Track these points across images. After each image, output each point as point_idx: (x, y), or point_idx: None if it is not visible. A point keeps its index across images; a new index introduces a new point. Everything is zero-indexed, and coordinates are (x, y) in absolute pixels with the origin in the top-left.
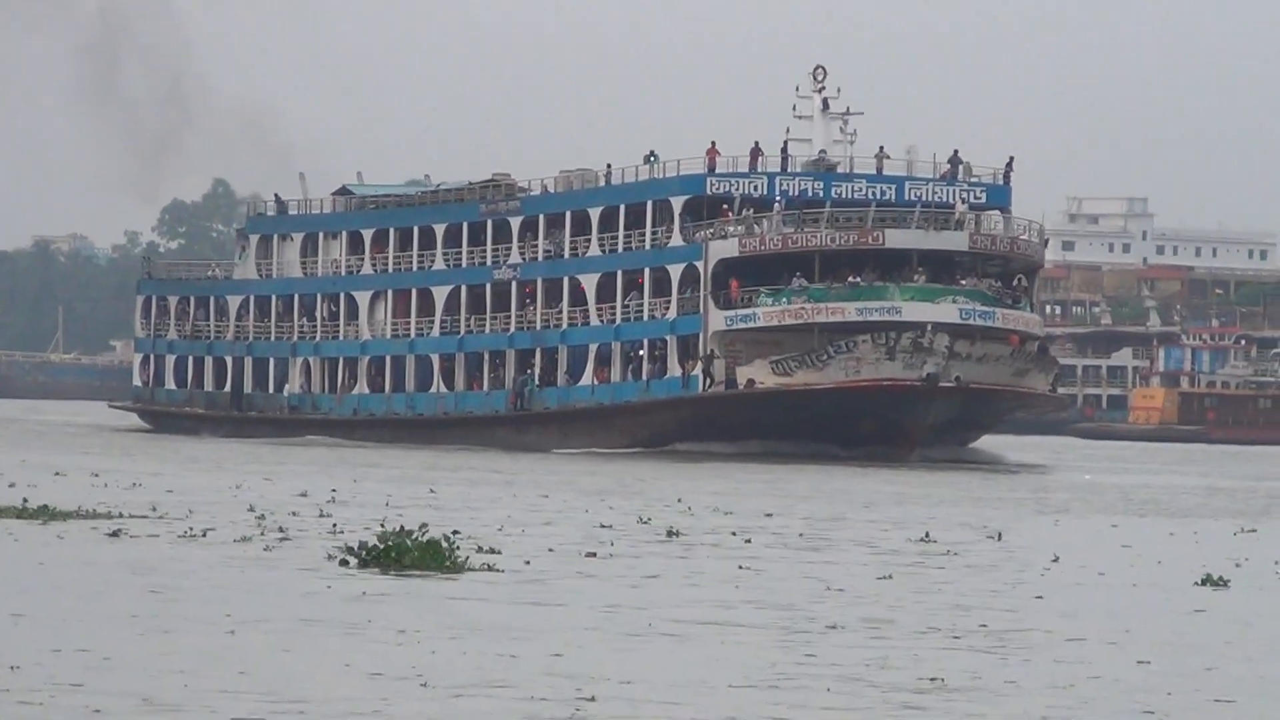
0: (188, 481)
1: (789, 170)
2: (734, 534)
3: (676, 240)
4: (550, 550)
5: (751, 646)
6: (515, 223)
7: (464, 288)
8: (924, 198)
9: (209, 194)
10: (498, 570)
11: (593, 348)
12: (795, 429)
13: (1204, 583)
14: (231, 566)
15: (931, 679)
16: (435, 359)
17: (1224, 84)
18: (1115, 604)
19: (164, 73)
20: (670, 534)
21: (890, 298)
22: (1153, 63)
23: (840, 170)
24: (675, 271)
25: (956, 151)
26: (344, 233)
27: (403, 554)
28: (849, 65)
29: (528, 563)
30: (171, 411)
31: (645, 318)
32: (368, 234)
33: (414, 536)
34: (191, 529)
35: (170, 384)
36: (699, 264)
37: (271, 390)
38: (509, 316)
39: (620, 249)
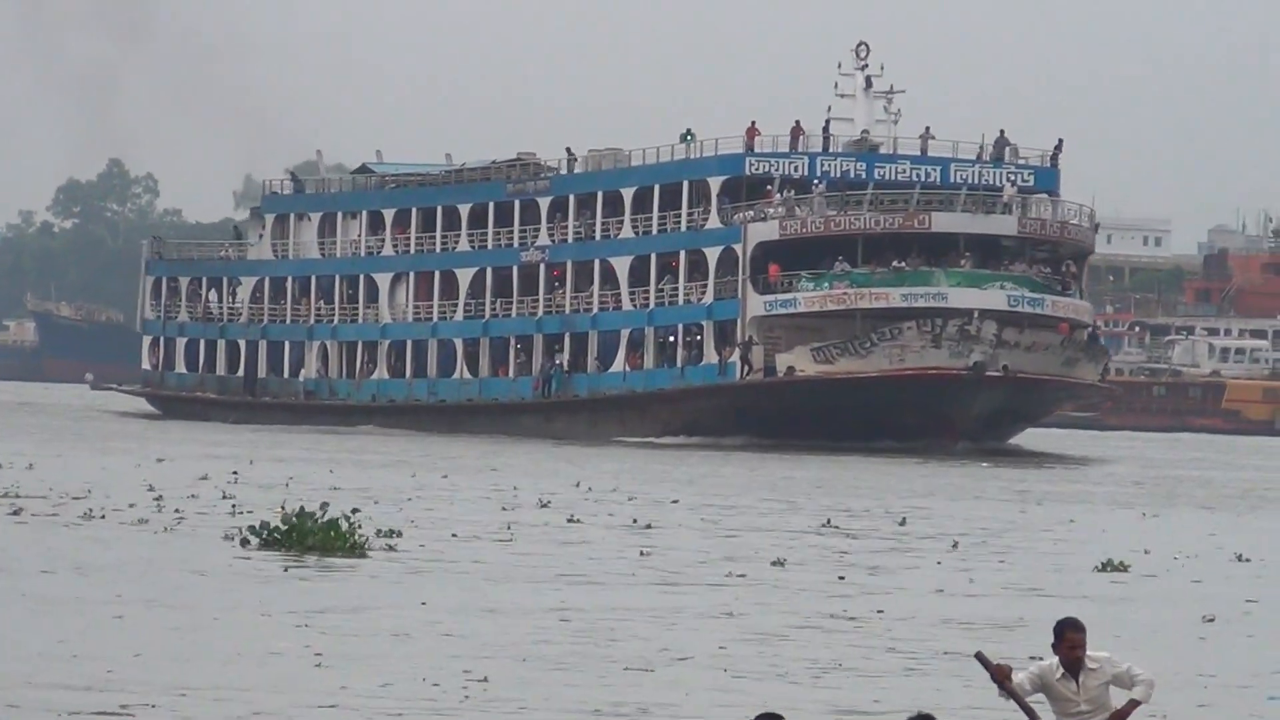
0: (90, 462)
1: (830, 150)
2: (635, 520)
3: (714, 222)
4: (454, 535)
5: (639, 628)
6: (544, 203)
7: (490, 270)
8: (970, 180)
9: (104, 173)
10: (397, 552)
11: (625, 333)
12: (836, 419)
13: (1104, 568)
14: (130, 547)
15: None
16: (459, 343)
17: (1120, 71)
18: (1019, 581)
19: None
20: (570, 520)
21: (936, 283)
22: (1058, 44)
23: (883, 151)
24: (712, 254)
25: (1003, 132)
26: (364, 212)
27: (304, 535)
28: (893, 42)
29: (423, 546)
30: (182, 396)
31: (680, 302)
32: (389, 214)
33: (314, 518)
34: (90, 510)
35: (180, 368)
36: (737, 246)
37: (286, 375)
38: (537, 300)
39: (654, 231)
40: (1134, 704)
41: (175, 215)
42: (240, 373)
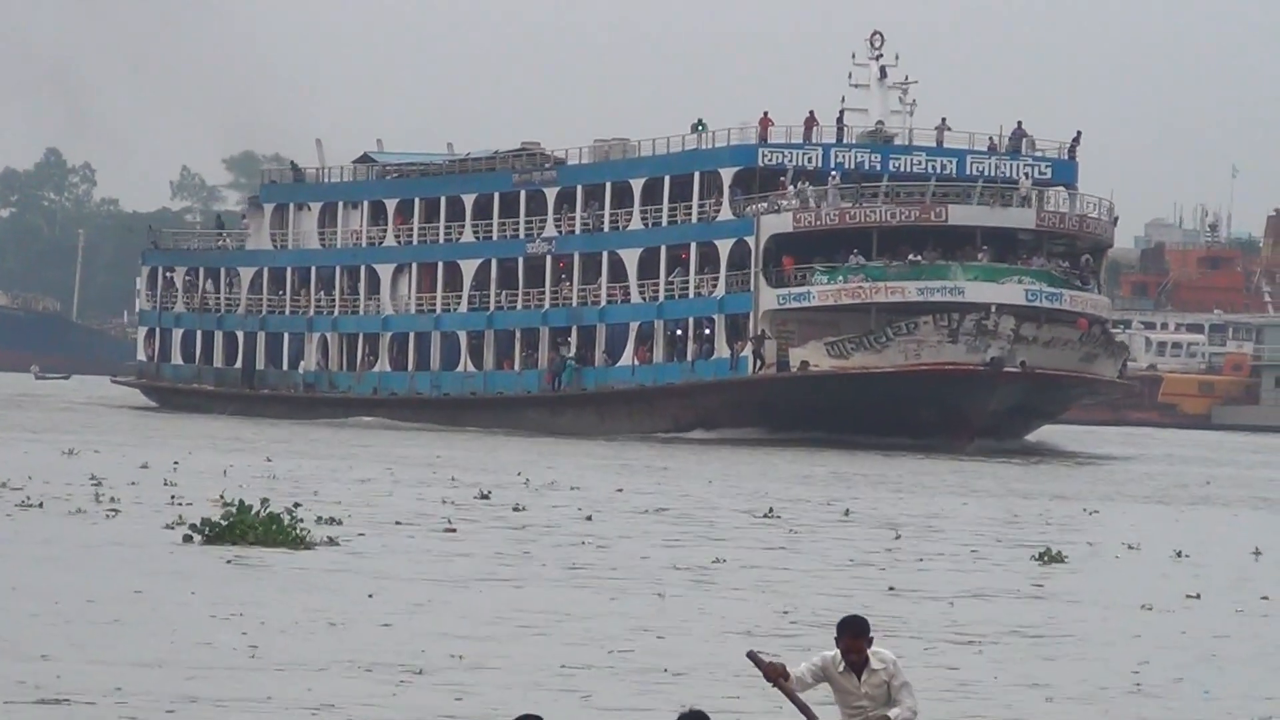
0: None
1: (844, 141)
2: (580, 509)
3: (726, 214)
4: (397, 523)
5: (575, 623)
6: (550, 194)
7: (494, 261)
8: (986, 172)
9: (41, 163)
10: (337, 544)
11: (633, 326)
12: (851, 415)
13: (1041, 558)
14: (67, 538)
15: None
16: (463, 336)
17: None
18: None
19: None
20: (516, 509)
21: (953, 277)
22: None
23: (898, 142)
24: (724, 247)
25: (1020, 124)
26: (365, 202)
27: (245, 529)
28: (907, 32)
29: (363, 534)
30: (178, 388)
31: (691, 295)
32: (391, 204)
33: (255, 511)
34: (29, 499)
35: (177, 359)
36: (750, 239)
37: (286, 367)
38: (543, 292)
39: (664, 222)
40: None
41: (112, 205)
42: (238, 365)
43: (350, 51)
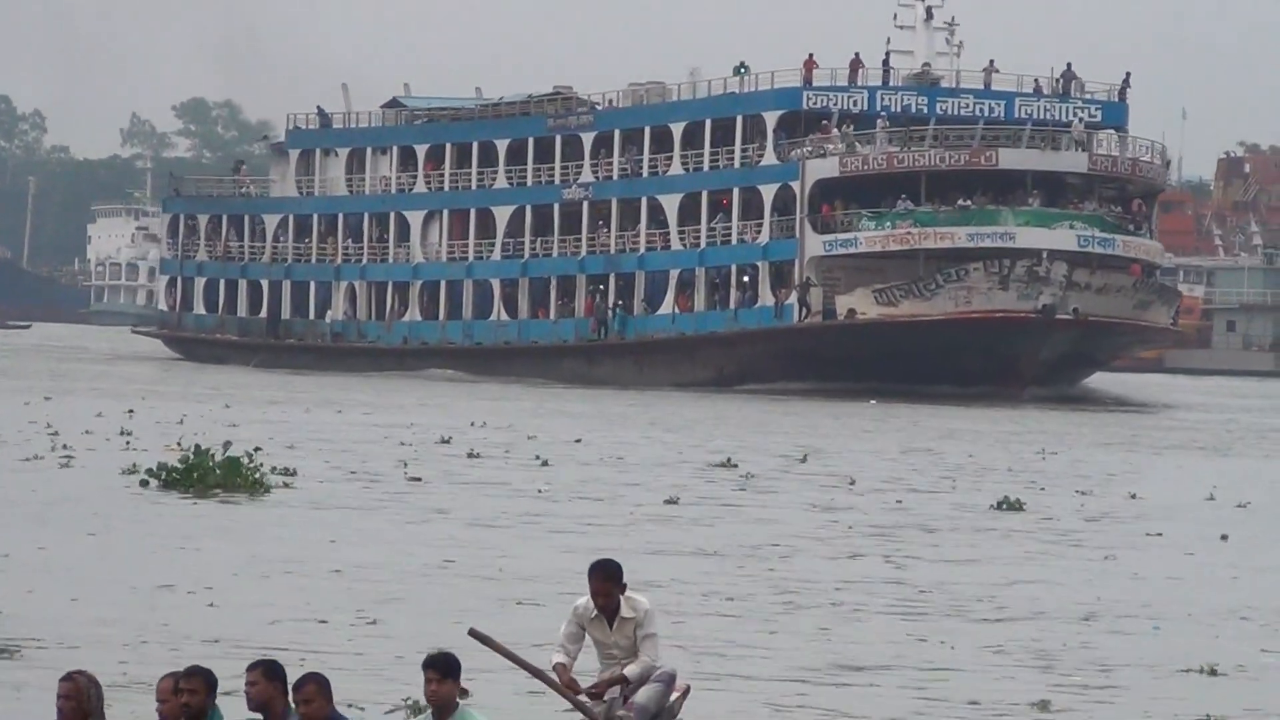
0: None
1: (890, 84)
2: (537, 457)
3: (770, 158)
4: (353, 473)
5: (526, 565)
6: (587, 139)
7: (529, 208)
8: (1035, 115)
9: None
10: (295, 490)
11: (674, 273)
12: (899, 364)
13: (1000, 505)
14: (25, 483)
15: None
16: (496, 284)
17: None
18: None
19: None
20: (470, 455)
21: (1004, 222)
22: None
23: (945, 85)
24: (768, 192)
25: (1070, 65)
26: (394, 148)
27: (204, 474)
28: None
29: (322, 483)
30: (201, 338)
31: (734, 242)
32: (421, 150)
33: (213, 455)
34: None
35: (200, 309)
36: (795, 184)
37: (312, 316)
38: (579, 239)
39: (706, 167)
40: (623, 679)
41: (63, 152)
42: (263, 314)
43: None
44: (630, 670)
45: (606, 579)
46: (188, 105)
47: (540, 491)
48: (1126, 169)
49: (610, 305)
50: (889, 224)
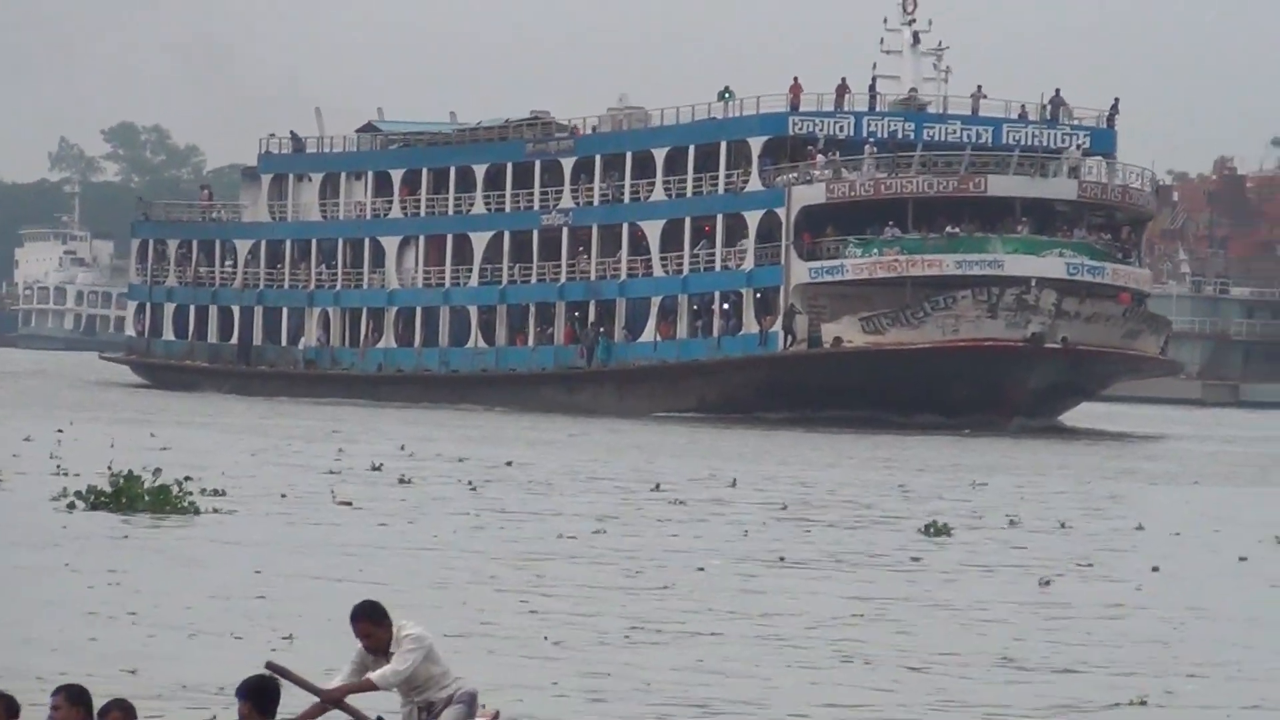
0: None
1: (877, 110)
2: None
3: (755, 184)
4: (283, 496)
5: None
6: (567, 164)
7: (507, 234)
8: (1023, 141)
9: None
10: (226, 514)
11: (656, 300)
12: (886, 393)
13: (927, 530)
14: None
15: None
16: (473, 311)
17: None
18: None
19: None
20: (401, 481)
21: (992, 250)
22: None
23: (932, 110)
24: (752, 218)
25: (1058, 91)
26: (370, 172)
27: (133, 498)
28: None
29: (248, 509)
30: (170, 365)
31: (718, 268)
32: (397, 174)
33: (143, 481)
34: None
35: (169, 334)
36: (780, 210)
37: (285, 343)
38: (559, 266)
39: (689, 193)
40: (368, 683)
41: None
42: (234, 340)
43: (343, 17)
44: (374, 675)
45: (366, 620)
46: (116, 130)
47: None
48: (1116, 196)
49: (596, 332)
50: (876, 251)
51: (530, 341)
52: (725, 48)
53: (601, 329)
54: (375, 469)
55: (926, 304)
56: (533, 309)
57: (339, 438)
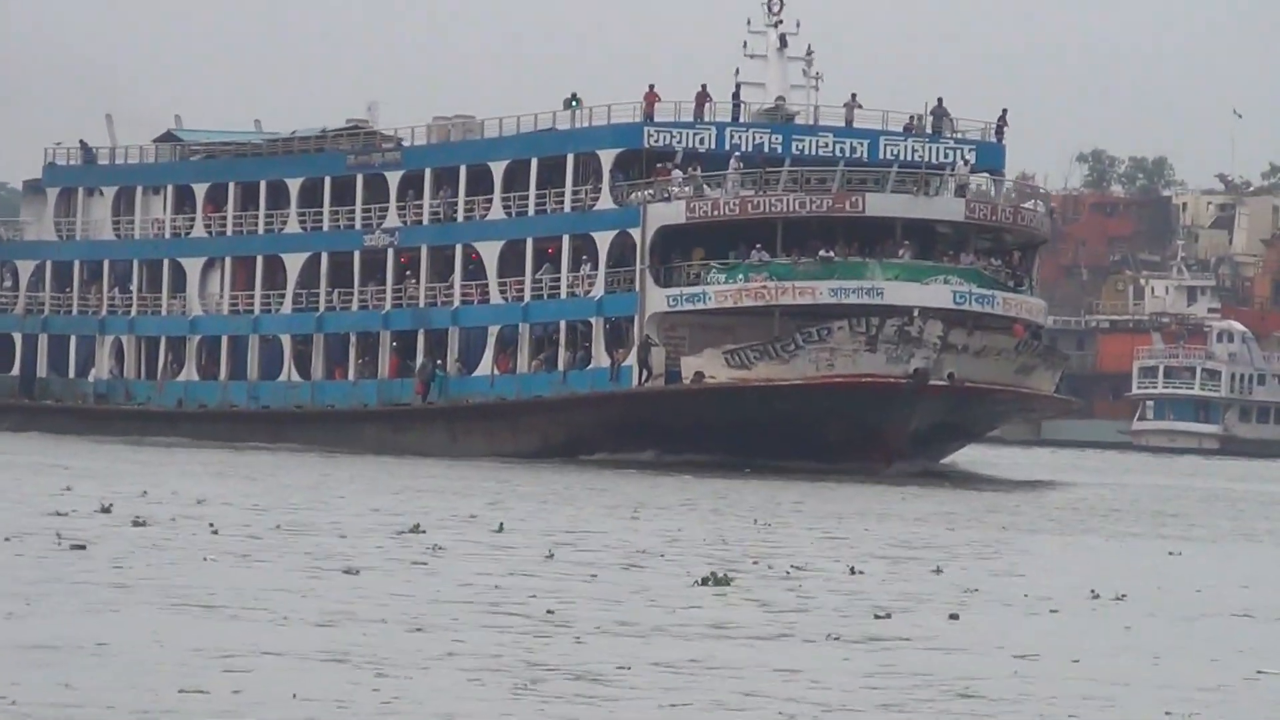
0: None
1: (740, 120)
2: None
3: (606, 202)
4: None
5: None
6: (393, 178)
7: (325, 255)
8: (902, 156)
9: None
10: None
11: (493, 330)
12: (752, 435)
13: (705, 582)
14: None
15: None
16: (286, 341)
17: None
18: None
19: None
20: (136, 523)
21: (871, 276)
22: None
23: (801, 121)
24: (603, 240)
25: (941, 101)
26: (169, 186)
27: None
28: None
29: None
30: None
31: (563, 295)
32: (200, 189)
33: None
34: None
35: None
36: (635, 231)
37: (73, 375)
38: (383, 291)
39: (531, 212)
40: None
41: None
42: (15, 372)
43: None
44: None
45: None
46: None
47: None
48: (1007, 217)
49: (433, 365)
50: (741, 277)
51: (351, 375)
52: (568, 53)
53: (439, 361)
54: (105, 510)
55: (798, 336)
56: (354, 339)
57: (93, 475)
